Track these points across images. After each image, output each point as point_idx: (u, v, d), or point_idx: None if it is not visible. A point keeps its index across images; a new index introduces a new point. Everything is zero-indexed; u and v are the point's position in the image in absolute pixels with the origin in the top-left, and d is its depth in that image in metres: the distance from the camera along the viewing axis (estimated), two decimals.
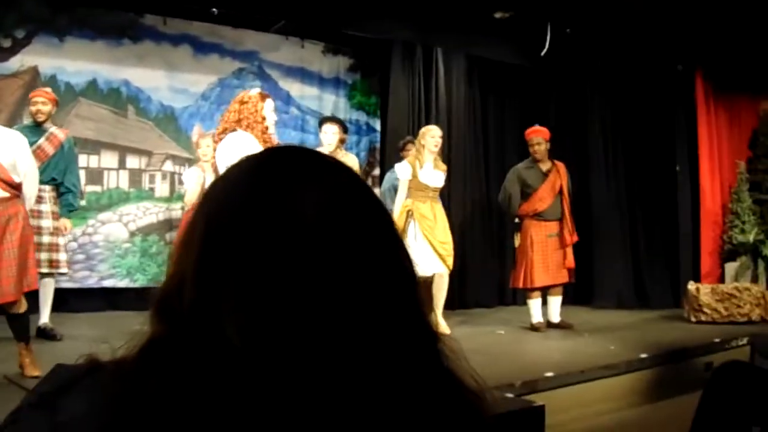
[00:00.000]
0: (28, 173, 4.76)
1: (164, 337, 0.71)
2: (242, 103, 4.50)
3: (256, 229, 0.70)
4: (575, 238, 6.83)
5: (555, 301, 6.86)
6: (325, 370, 0.67)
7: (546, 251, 6.71)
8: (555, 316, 6.84)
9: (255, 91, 4.68)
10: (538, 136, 6.91)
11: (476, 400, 0.77)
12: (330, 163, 0.79)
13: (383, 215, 0.78)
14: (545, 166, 6.93)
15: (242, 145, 4.20)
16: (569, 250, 6.78)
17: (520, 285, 6.81)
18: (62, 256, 5.78)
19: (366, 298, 0.70)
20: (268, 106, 4.50)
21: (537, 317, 6.74)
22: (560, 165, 7.00)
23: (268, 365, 0.66)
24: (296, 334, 0.67)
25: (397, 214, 6.24)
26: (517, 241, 6.98)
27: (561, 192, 6.85)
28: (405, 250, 0.78)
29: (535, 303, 6.76)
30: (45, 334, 5.61)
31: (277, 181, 0.74)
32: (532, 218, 6.79)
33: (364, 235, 0.73)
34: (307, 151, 0.80)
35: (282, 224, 0.70)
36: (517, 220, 7.01)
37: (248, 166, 0.77)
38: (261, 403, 0.66)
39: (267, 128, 4.42)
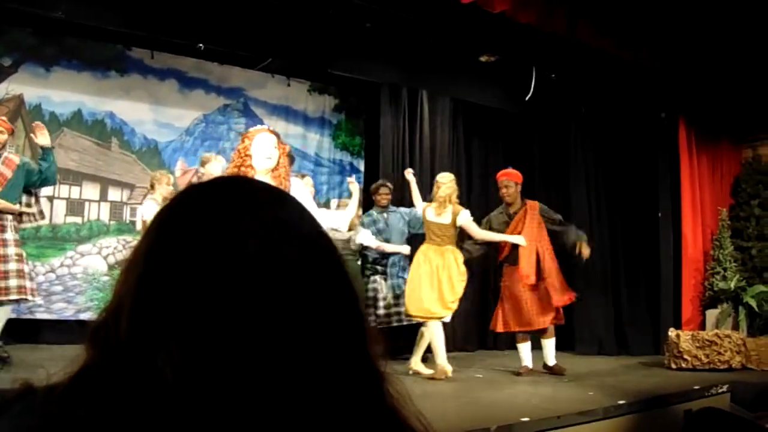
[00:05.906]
0: None
1: (96, 366, 0.69)
2: (242, 139, 4.55)
3: (196, 262, 0.68)
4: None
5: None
6: (257, 411, 0.65)
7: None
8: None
9: (256, 128, 4.68)
10: (507, 179, 6.81)
11: None
12: (277, 194, 0.77)
13: (330, 249, 0.76)
14: (513, 209, 6.79)
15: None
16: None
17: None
18: (29, 284, 5.65)
19: (306, 335, 0.68)
20: (258, 142, 4.41)
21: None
22: (531, 204, 6.83)
23: (199, 402, 0.64)
24: (231, 372, 0.65)
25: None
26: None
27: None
28: (352, 286, 0.76)
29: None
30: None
31: (219, 213, 0.72)
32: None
33: (307, 271, 0.71)
34: (253, 182, 0.78)
35: (222, 258, 0.68)
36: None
37: (192, 196, 0.75)
38: None
39: (246, 163, 4.38)
